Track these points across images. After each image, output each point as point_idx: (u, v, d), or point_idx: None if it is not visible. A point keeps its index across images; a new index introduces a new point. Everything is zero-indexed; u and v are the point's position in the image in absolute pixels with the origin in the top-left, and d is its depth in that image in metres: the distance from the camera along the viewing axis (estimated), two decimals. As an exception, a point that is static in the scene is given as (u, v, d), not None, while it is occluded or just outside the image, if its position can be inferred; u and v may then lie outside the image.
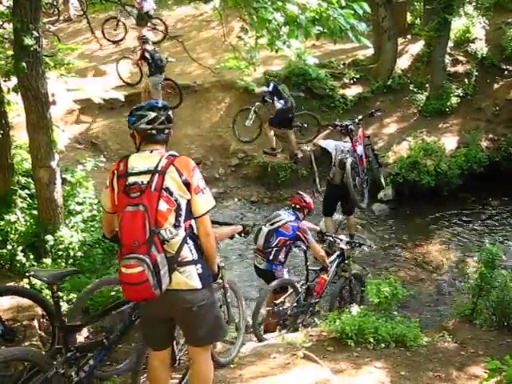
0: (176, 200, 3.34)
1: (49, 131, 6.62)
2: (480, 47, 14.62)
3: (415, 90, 13.96)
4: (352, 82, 14.15)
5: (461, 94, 13.60)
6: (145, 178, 3.32)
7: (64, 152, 8.38)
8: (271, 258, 7.13)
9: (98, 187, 8.77)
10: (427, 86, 13.87)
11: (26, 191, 7.41)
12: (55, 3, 18.05)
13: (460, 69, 14.34)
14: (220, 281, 4.84)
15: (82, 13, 16.26)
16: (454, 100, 13.41)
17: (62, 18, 18.26)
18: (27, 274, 5.45)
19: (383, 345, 5.69)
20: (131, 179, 3.35)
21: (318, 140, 10.13)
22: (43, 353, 4.07)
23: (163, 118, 3.54)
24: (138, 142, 3.56)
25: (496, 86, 14.08)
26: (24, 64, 6.02)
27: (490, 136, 12.84)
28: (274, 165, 12.16)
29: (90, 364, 3.95)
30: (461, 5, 13.95)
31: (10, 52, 6.70)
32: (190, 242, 3.43)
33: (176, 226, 3.36)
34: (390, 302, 6.37)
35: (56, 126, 7.44)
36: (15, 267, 6.57)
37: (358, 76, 14.22)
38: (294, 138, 12.19)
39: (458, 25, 14.68)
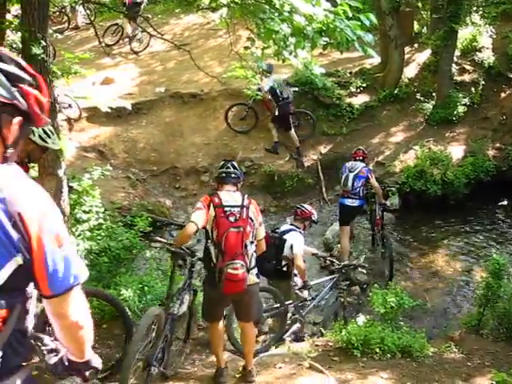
0: (254, 225, 4.82)
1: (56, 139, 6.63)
2: (487, 56, 14.60)
3: (422, 98, 13.96)
4: (359, 90, 14.17)
5: (467, 103, 13.58)
6: (236, 209, 4.72)
7: (71, 160, 8.39)
8: (361, 195, 9.53)
9: (105, 196, 8.80)
10: (434, 94, 13.84)
11: (33, 199, 7.42)
12: (64, 11, 18.13)
13: (467, 78, 14.33)
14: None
15: (90, 21, 16.30)
16: (461, 109, 13.37)
17: (70, 26, 18.37)
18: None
19: (389, 355, 5.69)
20: (227, 209, 4.71)
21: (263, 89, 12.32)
22: None
23: (229, 164, 5.04)
24: (216, 186, 5.10)
25: (503, 94, 14.06)
26: (32, 73, 6.03)
27: (497, 145, 12.80)
28: (281, 173, 12.17)
29: (166, 334, 4.92)
30: (467, 14, 13.98)
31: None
32: (254, 254, 4.91)
33: (252, 242, 4.83)
34: (396, 312, 6.37)
35: (63, 134, 7.45)
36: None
37: (364, 85, 14.23)
38: None
39: (464, 34, 14.67)
